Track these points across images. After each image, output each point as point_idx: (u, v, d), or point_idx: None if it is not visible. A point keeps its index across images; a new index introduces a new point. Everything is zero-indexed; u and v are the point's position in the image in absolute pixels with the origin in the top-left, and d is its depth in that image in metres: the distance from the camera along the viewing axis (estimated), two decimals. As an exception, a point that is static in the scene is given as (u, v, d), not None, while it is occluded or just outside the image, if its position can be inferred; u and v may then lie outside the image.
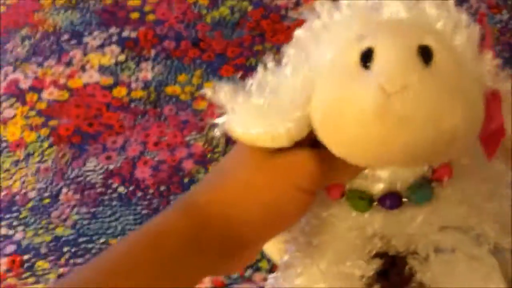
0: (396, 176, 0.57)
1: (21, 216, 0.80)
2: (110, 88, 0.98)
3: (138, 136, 0.91)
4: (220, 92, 0.52)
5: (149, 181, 0.84)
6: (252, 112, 0.51)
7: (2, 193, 0.82)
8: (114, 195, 0.83)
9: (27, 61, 1.02)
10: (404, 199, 0.55)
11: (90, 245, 0.77)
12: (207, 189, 0.52)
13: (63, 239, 0.78)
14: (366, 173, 0.57)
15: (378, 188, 0.57)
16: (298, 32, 0.54)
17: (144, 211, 0.81)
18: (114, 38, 1.07)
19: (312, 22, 0.54)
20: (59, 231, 0.79)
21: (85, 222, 0.80)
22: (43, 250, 0.76)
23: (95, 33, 1.08)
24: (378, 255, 0.61)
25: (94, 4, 1.14)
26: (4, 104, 0.94)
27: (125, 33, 1.08)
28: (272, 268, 0.64)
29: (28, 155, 0.88)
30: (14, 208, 0.81)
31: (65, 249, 0.77)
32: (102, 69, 1.01)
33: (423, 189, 0.55)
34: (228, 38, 1.07)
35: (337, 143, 0.48)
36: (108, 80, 0.99)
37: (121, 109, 0.95)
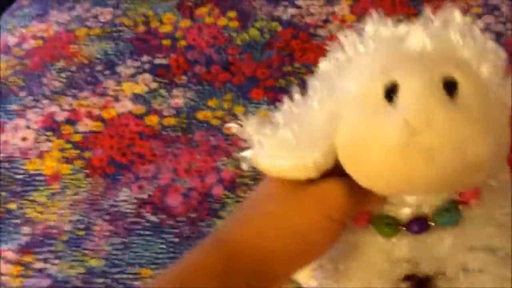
0: (422, 200, 0.57)
1: (56, 249, 0.82)
2: (142, 116, 1.00)
3: (169, 164, 0.92)
4: (246, 125, 0.54)
5: (179, 209, 0.86)
6: (279, 144, 0.52)
7: (39, 227, 0.84)
8: (146, 224, 0.84)
9: (63, 93, 1.04)
10: (431, 223, 0.55)
11: (122, 276, 0.79)
12: (236, 223, 0.53)
13: (96, 270, 0.79)
14: (392, 198, 0.58)
15: (405, 213, 0.57)
16: (323, 65, 0.55)
17: (175, 239, 0.82)
18: (147, 66, 1.09)
19: (336, 54, 0.54)
20: (92, 262, 0.80)
21: (118, 252, 0.81)
22: (77, 282, 0.78)
23: (128, 62, 1.10)
24: (407, 277, 0.62)
25: (127, 32, 1.17)
26: (41, 138, 0.97)
27: (157, 61, 1.10)
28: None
29: (64, 188, 0.90)
30: (49, 242, 0.83)
31: (98, 281, 0.78)
32: (135, 98, 1.03)
33: (450, 212, 0.55)
34: (258, 60, 1.08)
35: (363, 177, 0.49)
36: (141, 109, 1.01)
37: (153, 137, 0.96)
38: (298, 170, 0.51)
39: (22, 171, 0.93)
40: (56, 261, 0.80)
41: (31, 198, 0.89)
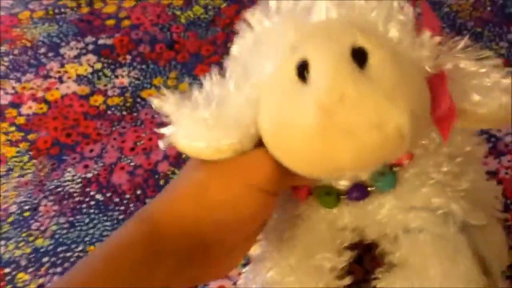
0: None
1: (2, 231, 0.82)
2: (87, 97, 0.99)
3: (115, 143, 0.92)
4: (166, 101, 0.53)
5: (125, 186, 0.86)
6: (197, 124, 0.51)
7: (-16, 210, 0.84)
8: (92, 202, 0.84)
9: (6, 77, 1.03)
10: (370, 189, 0.56)
11: (68, 254, 0.79)
12: (161, 198, 0.52)
13: (42, 250, 0.79)
14: None
15: (344, 183, 0.57)
16: (233, 49, 0.55)
17: (120, 216, 0.82)
18: (90, 47, 1.08)
19: (245, 33, 0.53)
20: (38, 242, 0.80)
21: (64, 231, 0.81)
22: (23, 262, 0.78)
23: (72, 43, 1.09)
24: (351, 246, 0.63)
25: (70, 14, 1.16)
26: (-16, 122, 0.96)
27: (100, 41, 1.09)
28: (247, 263, 0.65)
29: (9, 171, 0.89)
30: (-5, 224, 0.82)
31: (44, 260, 0.78)
32: (79, 79, 1.02)
33: (386, 175, 0.56)
34: (203, 38, 1.08)
35: (285, 160, 0.48)
36: (85, 89, 1.01)
37: (98, 117, 0.96)
38: (214, 152, 0.50)
39: (-35, 156, 0.92)
40: (2, 242, 0.79)
41: (-25, 181, 0.88)
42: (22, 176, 0.89)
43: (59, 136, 0.93)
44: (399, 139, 0.44)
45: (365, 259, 0.73)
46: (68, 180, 0.87)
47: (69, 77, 1.02)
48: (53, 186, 0.87)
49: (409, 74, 0.46)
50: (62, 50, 1.08)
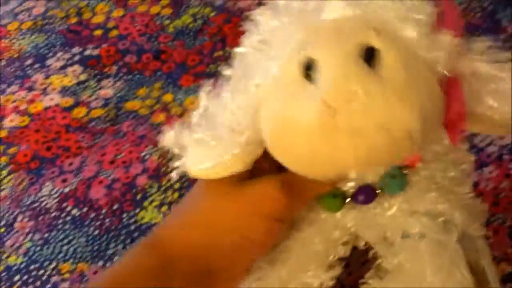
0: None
1: (-25, 248, 0.80)
2: (70, 109, 0.98)
3: (95, 156, 0.90)
4: (166, 137, 0.52)
5: (102, 201, 0.84)
6: (199, 147, 0.50)
7: (-42, 226, 0.83)
8: (68, 218, 0.83)
9: (-9, 89, 1.02)
10: (378, 191, 0.54)
11: (40, 272, 0.77)
12: (172, 223, 0.52)
13: (15, 267, 0.78)
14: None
15: (350, 184, 0.55)
16: (239, 49, 0.53)
17: (96, 232, 0.81)
18: (77, 58, 1.07)
19: (252, 34, 0.51)
20: (11, 260, 0.79)
21: (38, 248, 0.80)
22: (-6, 280, 0.77)
23: (59, 54, 1.08)
24: (342, 259, 0.60)
25: (59, 25, 1.15)
26: (-34, 135, 0.95)
27: (87, 52, 1.08)
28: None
29: (-13, 185, 0.88)
30: (-32, 240, 0.81)
31: (16, 278, 0.77)
32: (64, 91, 1.01)
33: (397, 178, 0.53)
34: (190, 47, 1.06)
35: (289, 163, 0.47)
36: (68, 101, 0.99)
37: (80, 130, 0.95)
38: (222, 169, 0.49)
39: None
40: (-25, 260, 0.78)
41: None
42: (1, 190, 0.87)
43: (40, 150, 0.92)
44: (408, 141, 0.43)
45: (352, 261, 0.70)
46: (45, 195, 0.86)
47: (53, 89, 1.01)
48: (29, 201, 0.85)
49: (422, 76, 0.44)
50: (48, 61, 1.06)
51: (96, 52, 1.08)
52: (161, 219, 0.80)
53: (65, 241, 0.80)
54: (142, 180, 0.86)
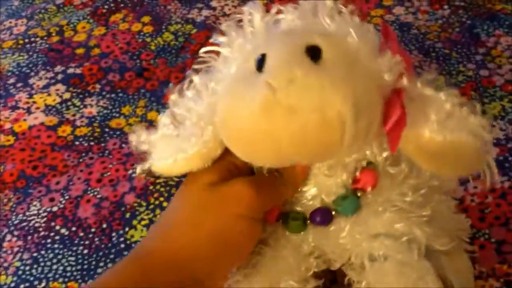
0: (322, 191, 0.58)
1: (-36, 269, 0.80)
2: (54, 128, 0.98)
3: (81, 175, 0.91)
4: (138, 136, 0.57)
5: (91, 220, 0.85)
6: (165, 144, 0.55)
7: None
8: (57, 237, 0.83)
9: (-27, 109, 1.02)
10: (333, 213, 0.57)
11: (30, 292, 0.77)
12: (153, 235, 0.55)
13: (5, 287, 0.78)
14: (297, 194, 0.58)
15: (310, 206, 0.58)
16: (204, 49, 0.57)
17: (85, 251, 0.81)
18: (60, 77, 1.07)
19: (218, 45, 0.56)
20: (1, 279, 0.79)
21: (27, 268, 0.80)
22: (-16, 301, 0.77)
23: (41, 73, 1.09)
24: (318, 274, 0.62)
25: (40, 44, 1.15)
26: (-50, 156, 0.95)
27: (70, 70, 1.09)
28: None
29: (-26, 205, 0.88)
30: (-44, 262, 0.81)
31: (6, 298, 0.77)
32: (47, 110, 1.01)
33: (349, 199, 0.57)
34: (172, 64, 1.08)
35: (234, 144, 0.51)
36: (53, 120, 1.00)
37: (65, 148, 0.95)
38: (184, 164, 0.53)
39: None
40: (-37, 281, 0.78)
41: None
42: (-13, 211, 0.88)
43: (26, 168, 0.92)
44: (340, 125, 0.46)
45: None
46: (34, 214, 0.86)
47: (37, 108, 1.01)
48: (18, 221, 0.86)
49: (359, 75, 0.49)
50: (31, 80, 1.07)
51: (78, 70, 1.08)
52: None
53: (55, 260, 0.80)
54: (130, 199, 0.86)
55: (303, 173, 0.56)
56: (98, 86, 1.05)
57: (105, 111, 1.00)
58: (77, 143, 0.96)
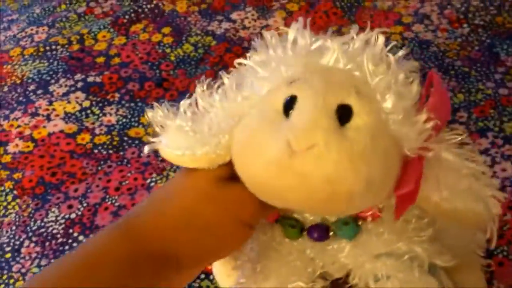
0: None
1: (-18, 273, 0.81)
2: (74, 135, 0.99)
3: (100, 182, 0.92)
4: (157, 113, 0.55)
5: (108, 228, 0.85)
6: (177, 133, 0.54)
7: (-35, 251, 0.83)
8: (74, 244, 0.84)
9: (-6, 114, 1.03)
10: (331, 232, 0.57)
11: (48, 298, 0.78)
12: (147, 211, 0.54)
13: (22, 293, 0.79)
14: None
15: (309, 217, 0.58)
16: (241, 61, 0.55)
17: (103, 259, 0.81)
18: (79, 85, 1.08)
19: (255, 53, 0.55)
20: (18, 285, 0.79)
21: (45, 274, 0.80)
22: (2, 306, 0.77)
23: (61, 80, 1.09)
24: (323, 276, 0.62)
25: (61, 51, 1.16)
26: (-30, 160, 0.96)
27: (90, 79, 1.09)
28: None
29: (-8, 210, 0.89)
30: (-25, 265, 0.82)
31: (23, 303, 0.77)
32: (67, 117, 1.02)
33: (349, 226, 0.57)
34: (192, 75, 1.08)
35: (245, 181, 0.51)
36: (72, 127, 1.00)
37: (84, 156, 0.96)
38: (190, 161, 0.53)
39: (-50, 195, 0.91)
40: (-18, 285, 0.79)
41: (-42, 221, 0.88)
42: (6, 216, 0.88)
43: (45, 175, 0.93)
44: (347, 202, 0.47)
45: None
46: (52, 221, 0.87)
47: (57, 115, 1.02)
48: (36, 227, 0.86)
49: (383, 147, 0.48)
50: (51, 88, 1.08)
51: (98, 79, 1.09)
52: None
53: (72, 267, 0.80)
54: (147, 207, 0.86)
55: None
56: (117, 95, 1.06)
57: (124, 120, 1.01)
58: (96, 151, 0.97)
